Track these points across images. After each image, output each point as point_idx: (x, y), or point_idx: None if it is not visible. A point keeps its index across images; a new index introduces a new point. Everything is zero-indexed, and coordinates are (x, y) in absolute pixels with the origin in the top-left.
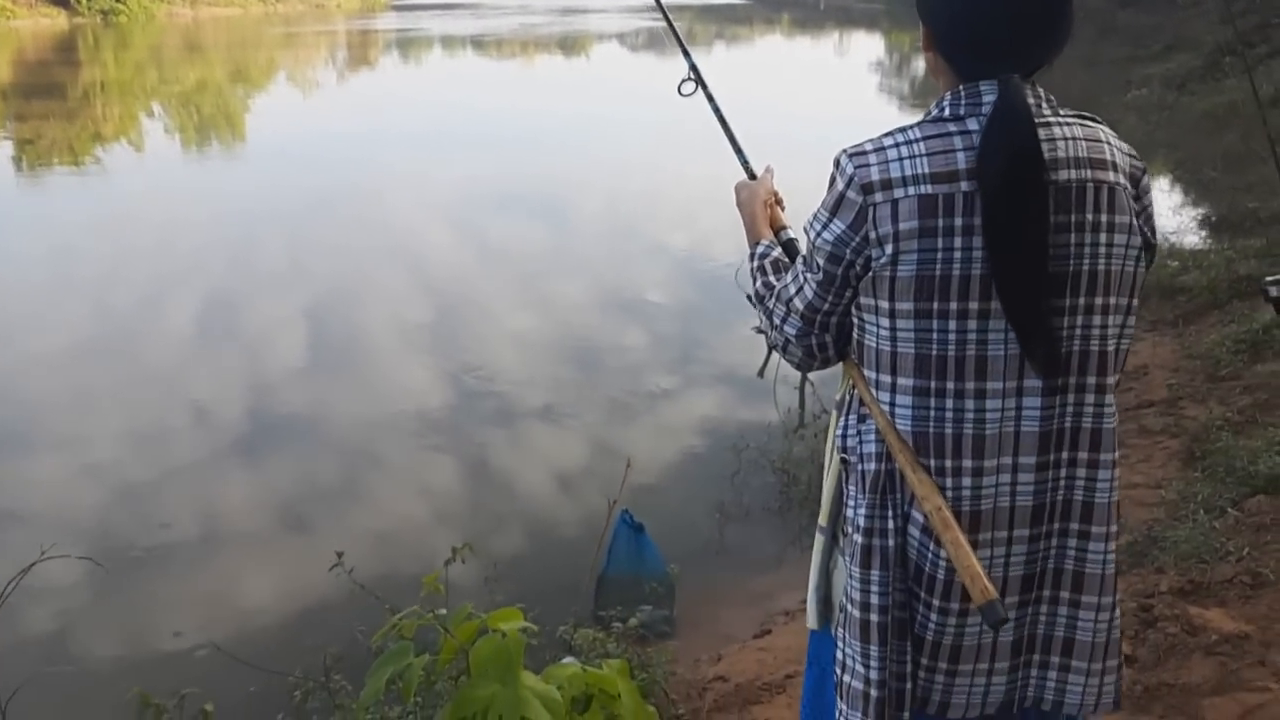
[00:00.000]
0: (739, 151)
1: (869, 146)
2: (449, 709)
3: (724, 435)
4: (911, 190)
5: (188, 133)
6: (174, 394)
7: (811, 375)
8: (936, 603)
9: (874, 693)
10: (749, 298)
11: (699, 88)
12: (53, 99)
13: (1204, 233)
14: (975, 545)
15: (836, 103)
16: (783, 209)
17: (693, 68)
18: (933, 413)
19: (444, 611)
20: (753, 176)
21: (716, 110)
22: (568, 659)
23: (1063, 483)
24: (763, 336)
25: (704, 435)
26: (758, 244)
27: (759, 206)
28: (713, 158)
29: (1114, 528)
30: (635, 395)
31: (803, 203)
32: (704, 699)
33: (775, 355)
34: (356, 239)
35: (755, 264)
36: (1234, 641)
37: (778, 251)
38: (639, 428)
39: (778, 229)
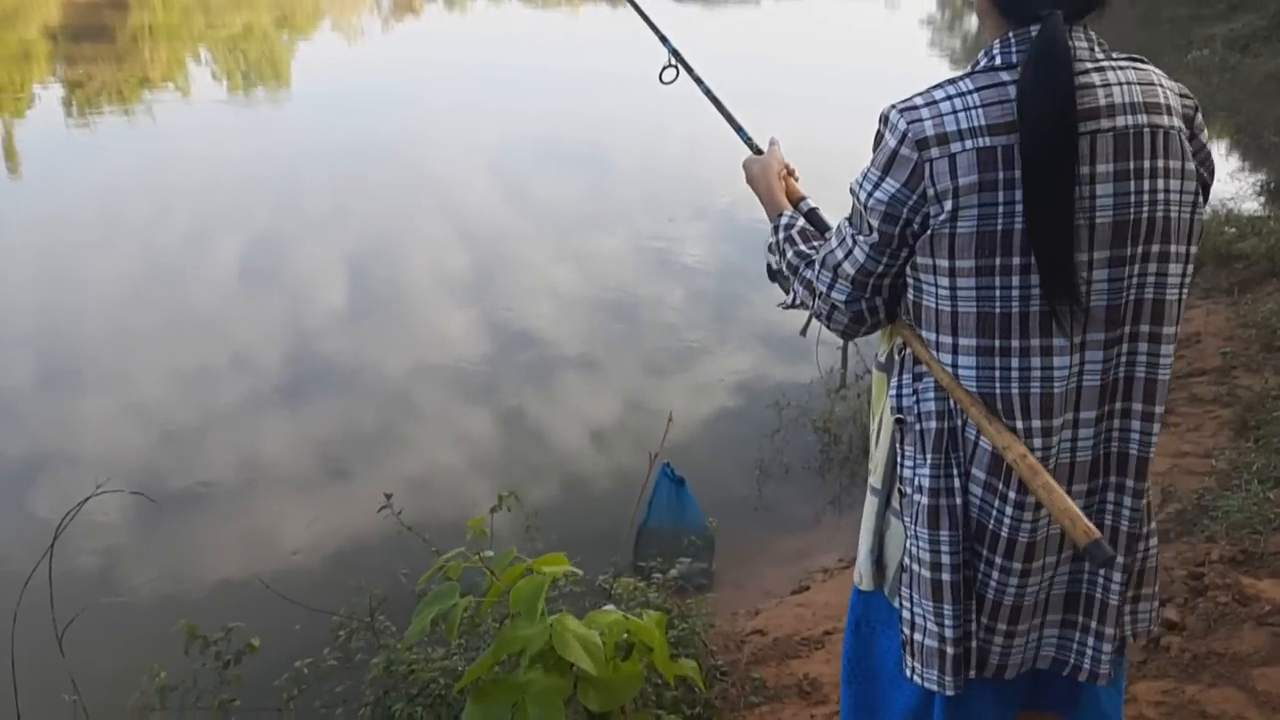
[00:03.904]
0: (739, 129)
1: (919, 101)
2: (491, 648)
3: (764, 393)
4: (969, 143)
5: (234, 78)
6: (221, 337)
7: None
8: (999, 561)
9: (950, 650)
10: (770, 271)
11: (680, 73)
12: (101, 42)
13: (1263, 199)
14: (1038, 505)
15: (888, 62)
16: (796, 180)
17: (673, 53)
18: (998, 373)
19: (490, 553)
20: (758, 152)
21: (707, 92)
22: (608, 607)
23: (1116, 434)
24: (790, 312)
25: (744, 392)
26: (779, 216)
27: (773, 179)
28: (757, 115)
29: (1148, 483)
30: (675, 350)
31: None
32: (742, 651)
33: None
34: (399, 187)
35: (781, 235)
36: None
37: (802, 221)
38: (679, 383)
39: (796, 200)
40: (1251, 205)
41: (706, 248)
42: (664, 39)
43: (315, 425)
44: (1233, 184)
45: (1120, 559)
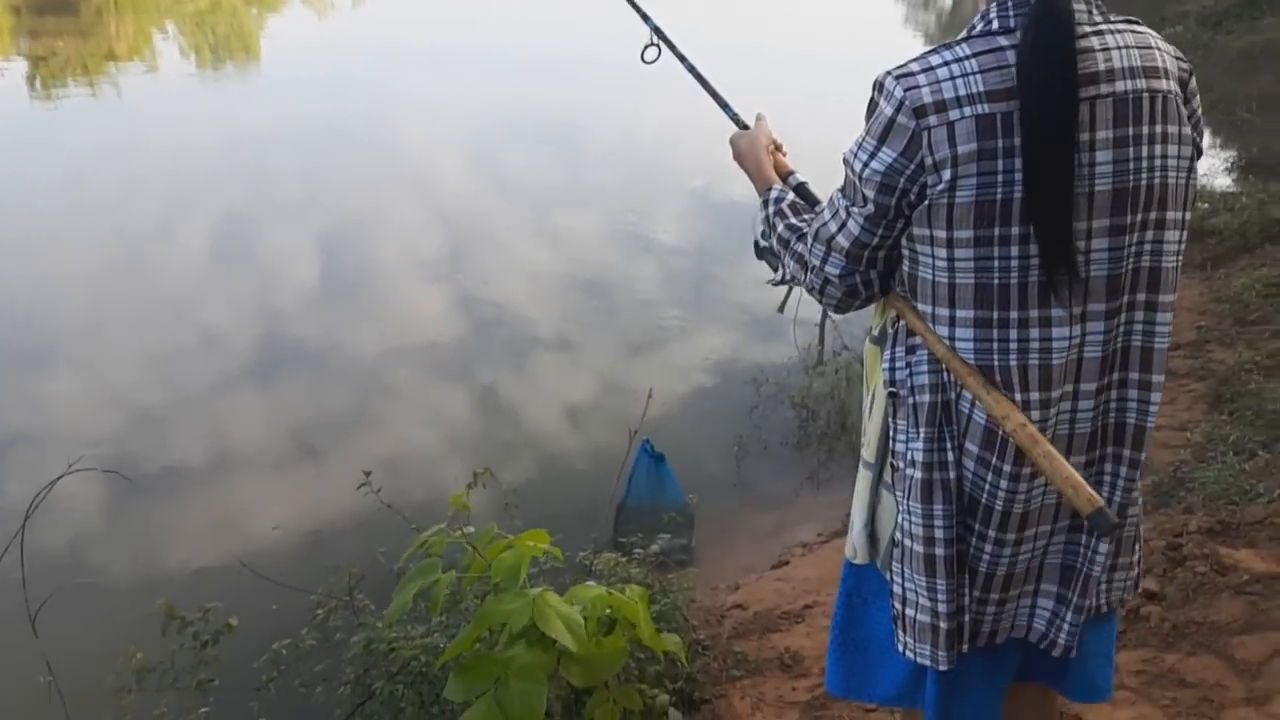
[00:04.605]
0: (724, 105)
1: (915, 67)
2: (473, 622)
3: (743, 370)
4: (968, 111)
5: (202, 53)
6: (192, 315)
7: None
8: (992, 534)
9: (943, 625)
10: (757, 249)
11: (663, 52)
12: (65, 15)
13: (1235, 175)
14: (1033, 476)
15: (862, 46)
16: (784, 154)
17: (655, 30)
18: (996, 344)
19: (471, 529)
20: (744, 127)
21: (691, 69)
22: (589, 583)
23: (1114, 405)
24: (780, 289)
25: (722, 370)
26: (769, 190)
27: (761, 153)
28: (740, 92)
29: (1145, 453)
30: (653, 329)
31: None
32: (723, 625)
33: (795, 291)
34: (369, 164)
35: (771, 210)
36: (1265, 581)
37: (791, 195)
38: (657, 361)
39: (785, 174)
40: (1224, 181)
41: (684, 226)
42: (645, 17)
43: (289, 404)
44: (1205, 160)
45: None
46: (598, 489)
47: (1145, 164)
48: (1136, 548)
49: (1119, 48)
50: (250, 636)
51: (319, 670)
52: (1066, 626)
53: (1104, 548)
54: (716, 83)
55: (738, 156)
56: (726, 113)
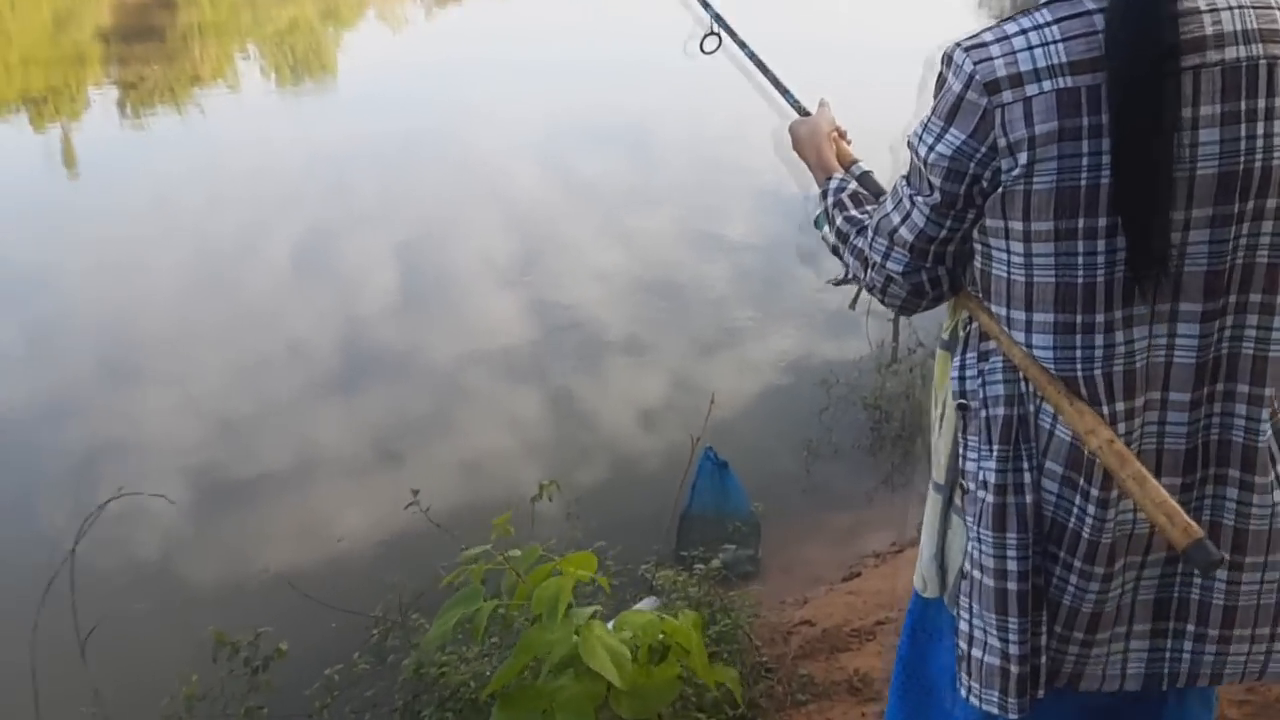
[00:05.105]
0: (785, 92)
1: (989, 37)
2: (515, 652)
3: (812, 370)
4: (1048, 85)
5: (282, 72)
6: (271, 331)
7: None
8: (1078, 564)
9: (1014, 669)
10: (829, 246)
11: (722, 42)
12: (151, 42)
13: None
14: (1124, 499)
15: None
16: (848, 142)
17: (715, 17)
18: (1079, 352)
19: (518, 553)
20: (805, 114)
21: (752, 56)
22: (648, 600)
23: (1217, 421)
24: (841, 288)
25: (791, 371)
26: (829, 179)
27: (823, 141)
28: (810, 84)
29: (1274, 476)
30: (719, 330)
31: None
32: (789, 644)
33: None
34: (444, 175)
35: (831, 200)
36: None
37: (854, 185)
38: (723, 363)
39: (848, 163)
40: None
41: (753, 223)
42: (706, 4)
43: (350, 416)
44: None
45: (1248, 559)
46: (663, 496)
47: (1260, 143)
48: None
49: (1230, 7)
50: (308, 659)
51: (370, 695)
52: (1193, 656)
53: (1222, 573)
54: (781, 72)
55: (796, 145)
56: (787, 99)
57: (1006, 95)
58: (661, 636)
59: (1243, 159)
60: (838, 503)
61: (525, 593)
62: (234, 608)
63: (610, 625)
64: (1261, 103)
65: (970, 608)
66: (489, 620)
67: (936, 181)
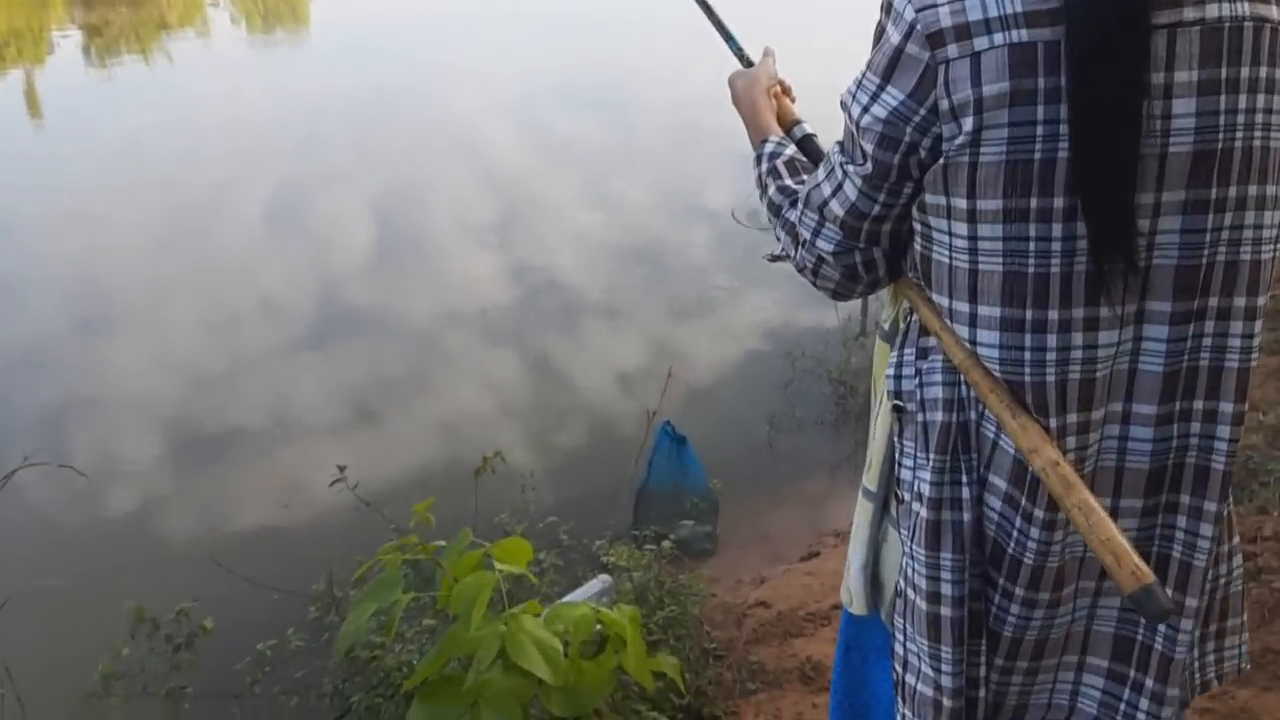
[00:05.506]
0: (729, 37)
1: None
2: (436, 649)
3: (779, 341)
4: (999, 38)
5: (253, 20)
6: (241, 286)
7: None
8: (1020, 592)
9: (947, 702)
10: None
11: None
12: None
13: None
14: (1066, 523)
15: None
16: (792, 100)
17: None
18: (1029, 354)
19: (443, 543)
20: (749, 65)
21: None
22: (599, 579)
23: (1195, 441)
24: (779, 265)
25: (758, 341)
26: (764, 142)
27: (760, 95)
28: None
29: (1227, 503)
30: (691, 299)
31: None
32: (742, 628)
33: None
34: (420, 131)
35: (764, 167)
36: None
37: (792, 149)
38: (691, 332)
39: (789, 124)
40: None
41: (731, 190)
42: None
43: (306, 379)
44: None
45: (1187, 602)
46: (623, 468)
47: (1242, 119)
48: (1244, 605)
49: None
50: (244, 638)
51: (300, 677)
52: (1142, 716)
53: (1186, 624)
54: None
55: (735, 99)
56: (731, 45)
57: (952, 49)
58: (599, 628)
59: (1222, 137)
60: (799, 479)
61: (449, 585)
62: (167, 583)
63: (543, 617)
64: (1245, 71)
65: (905, 630)
66: (420, 606)
67: (869, 148)
